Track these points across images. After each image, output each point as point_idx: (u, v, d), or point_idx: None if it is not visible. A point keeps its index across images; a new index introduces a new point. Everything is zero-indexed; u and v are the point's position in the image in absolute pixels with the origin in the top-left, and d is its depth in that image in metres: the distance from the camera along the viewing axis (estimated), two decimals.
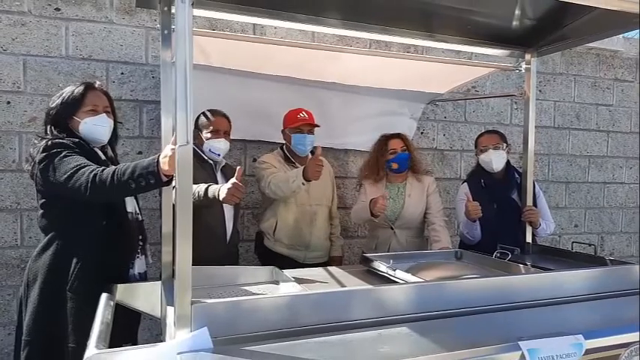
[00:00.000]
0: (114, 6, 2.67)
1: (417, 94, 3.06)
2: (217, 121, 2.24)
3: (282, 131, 2.52)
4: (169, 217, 1.67)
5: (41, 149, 1.62)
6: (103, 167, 1.54)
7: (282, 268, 1.76)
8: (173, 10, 1.63)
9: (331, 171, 2.73)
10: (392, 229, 2.55)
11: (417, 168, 2.64)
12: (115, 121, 1.86)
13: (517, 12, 1.97)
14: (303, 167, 2.20)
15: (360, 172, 2.75)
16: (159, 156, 1.40)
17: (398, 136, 2.63)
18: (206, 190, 1.92)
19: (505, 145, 2.50)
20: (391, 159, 2.57)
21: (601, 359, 1.32)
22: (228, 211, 2.27)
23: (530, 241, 2.39)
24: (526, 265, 1.94)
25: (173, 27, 1.62)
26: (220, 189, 1.84)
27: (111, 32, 2.68)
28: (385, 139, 2.63)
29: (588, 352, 1.24)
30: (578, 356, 1.20)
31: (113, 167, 1.50)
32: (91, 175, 1.49)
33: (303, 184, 2.19)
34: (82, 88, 1.75)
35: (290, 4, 1.83)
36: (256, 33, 2.90)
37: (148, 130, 2.77)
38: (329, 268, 2.07)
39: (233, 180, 1.79)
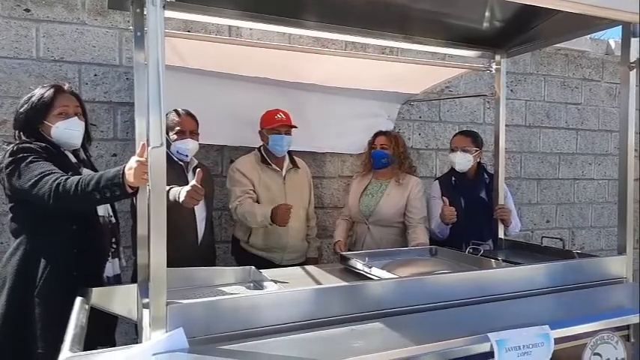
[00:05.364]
0: (86, 7, 2.63)
1: (393, 94, 3.10)
2: (183, 121, 2.20)
3: (260, 131, 2.53)
4: (144, 219, 1.66)
5: (8, 154, 1.60)
6: (68, 176, 1.52)
7: (259, 269, 1.77)
8: (145, 12, 1.63)
9: (309, 172, 2.74)
10: (366, 224, 2.59)
11: (401, 168, 2.65)
12: (87, 123, 1.83)
13: (487, 14, 2.02)
14: (272, 209, 2.23)
15: None
16: (124, 167, 1.39)
17: (384, 133, 2.71)
18: (167, 192, 1.86)
19: (476, 149, 2.52)
20: (371, 154, 2.65)
21: (569, 348, 1.38)
22: (200, 212, 2.22)
23: (503, 237, 2.45)
24: (498, 259, 2.00)
25: (146, 29, 1.61)
26: (180, 192, 1.80)
27: (83, 34, 2.63)
28: (374, 135, 2.73)
29: (555, 341, 1.30)
30: (546, 345, 1.25)
31: (78, 177, 1.49)
32: (54, 184, 1.48)
33: (270, 224, 2.26)
34: (51, 91, 1.72)
35: (265, 6, 1.83)
36: (232, 34, 2.89)
37: (122, 133, 2.74)
38: (307, 267, 2.09)
39: (193, 182, 1.77)
